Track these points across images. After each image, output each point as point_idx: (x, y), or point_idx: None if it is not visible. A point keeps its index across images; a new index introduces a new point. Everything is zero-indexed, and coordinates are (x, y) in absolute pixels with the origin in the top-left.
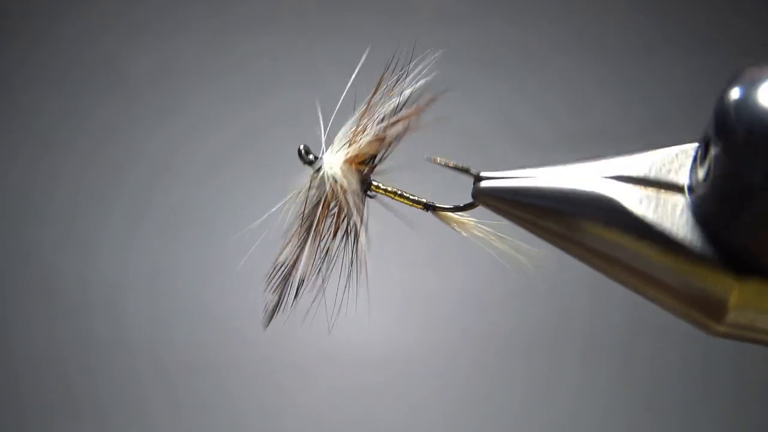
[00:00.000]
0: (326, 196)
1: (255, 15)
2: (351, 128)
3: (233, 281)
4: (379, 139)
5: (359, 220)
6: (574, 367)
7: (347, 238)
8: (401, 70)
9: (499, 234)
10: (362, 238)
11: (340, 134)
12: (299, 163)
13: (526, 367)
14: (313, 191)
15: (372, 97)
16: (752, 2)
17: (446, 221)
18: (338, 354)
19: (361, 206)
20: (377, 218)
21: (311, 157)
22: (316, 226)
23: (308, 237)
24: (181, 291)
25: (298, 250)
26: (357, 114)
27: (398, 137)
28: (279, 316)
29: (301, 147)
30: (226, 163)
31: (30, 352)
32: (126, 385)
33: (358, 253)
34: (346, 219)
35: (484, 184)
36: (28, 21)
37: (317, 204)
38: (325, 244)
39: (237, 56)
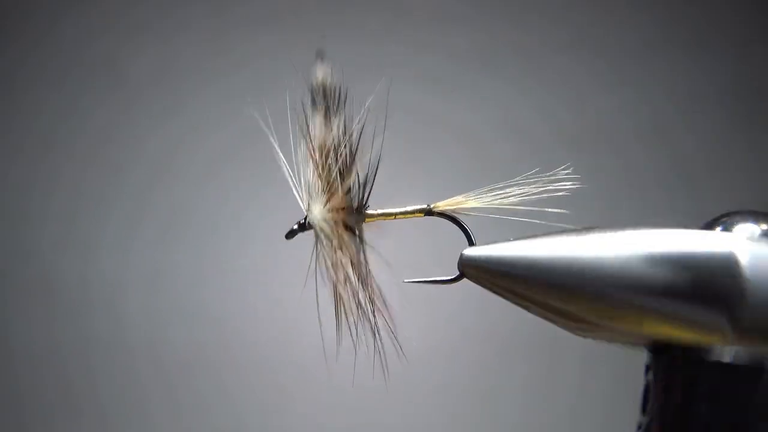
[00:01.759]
0: (331, 244)
1: (255, 15)
2: (316, 176)
3: (233, 281)
4: (347, 176)
5: (361, 253)
6: (574, 367)
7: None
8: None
9: (494, 215)
10: (372, 265)
11: (309, 185)
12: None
13: (526, 367)
14: (321, 246)
15: (321, 142)
16: (752, 2)
17: (448, 212)
18: (337, 353)
19: (357, 243)
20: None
21: (299, 225)
22: (339, 269)
23: (338, 280)
24: (181, 291)
25: (339, 293)
26: (315, 160)
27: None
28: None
29: (289, 232)
30: (226, 163)
31: (30, 352)
32: (126, 385)
33: (371, 280)
34: (352, 255)
35: (467, 253)
36: (28, 21)
37: (332, 250)
38: (349, 280)
39: (237, 56)
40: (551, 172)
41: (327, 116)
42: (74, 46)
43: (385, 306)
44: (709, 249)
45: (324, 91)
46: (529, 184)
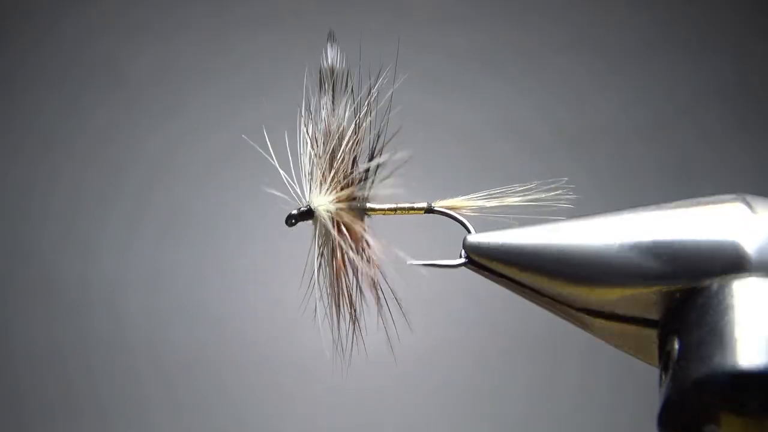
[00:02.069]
0: (333, 234)
1: (255, 15)
2: (320, 166)
3: (233, 281)
4: (352, 169)
5: (367, 244)
6: (576, 366)
7: (362, 260)
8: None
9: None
10: (375, 256)
11: (312, 176)
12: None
13: (528, 367)
14: (321, 236)
15: (326, 133)
16: (752, 2)
17: (450, 210)
18: (338, 354)
19: (364, 232)
20: (377, 222)
21: (300, 210)
22: (337, 259)
23: (335, 271)
24: (181, 291)
25: (334, 282)
26: (319, 151)
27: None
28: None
29: (288, 217)
30: (226, 163)
31: (30, 352)
32: (126, 385)
33: (373, 271)
34: (355, 245)
35: (471, 237)
36: (28, 21)
37: (330, 241)
38: (350, 271)
39: (237, 56)
40: (550, 181)
41: (334, 100)
42: (74, 46)
43: (382, 293)
44: (713, 237)
45: (333, 73)
46: (528, 191)
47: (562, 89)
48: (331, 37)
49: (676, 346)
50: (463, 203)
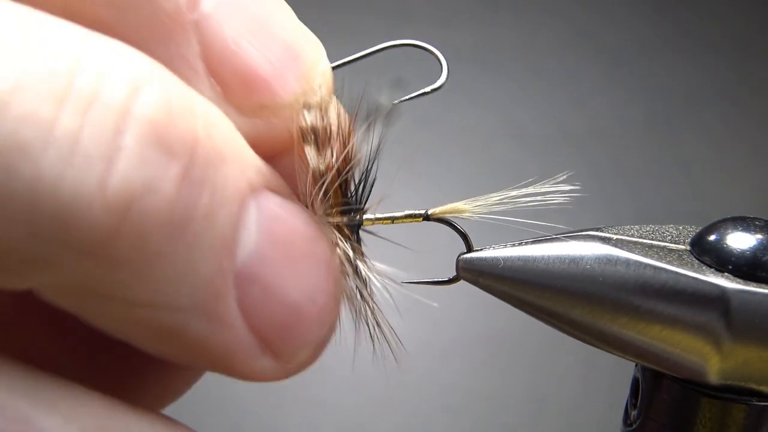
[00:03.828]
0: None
1: None
2: (312, 185)
3: None
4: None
5: (356, 256)
6: (575, 367)
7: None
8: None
9: (495, 216)
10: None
11: (306, 190)
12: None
13: (527, 367)
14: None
15: (315, 166)
16: (751, 3)
17: (448, 215)
18: (338, 354)
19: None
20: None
21: None
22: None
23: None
24: None
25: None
26: (307, 168)
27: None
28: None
29: None
30: None
31: None
32: None
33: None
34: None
35: (464, 257)
36: None
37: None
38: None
39: None
40: (551, 179)
41: (318, 149)
42: None
43: (381, 309)
44: (700, 276)
45: (314, 131)
46: (528, 193)
47: (562, 89)
48: (307, 106)
49: (638, 383)
50: (460, 208)
